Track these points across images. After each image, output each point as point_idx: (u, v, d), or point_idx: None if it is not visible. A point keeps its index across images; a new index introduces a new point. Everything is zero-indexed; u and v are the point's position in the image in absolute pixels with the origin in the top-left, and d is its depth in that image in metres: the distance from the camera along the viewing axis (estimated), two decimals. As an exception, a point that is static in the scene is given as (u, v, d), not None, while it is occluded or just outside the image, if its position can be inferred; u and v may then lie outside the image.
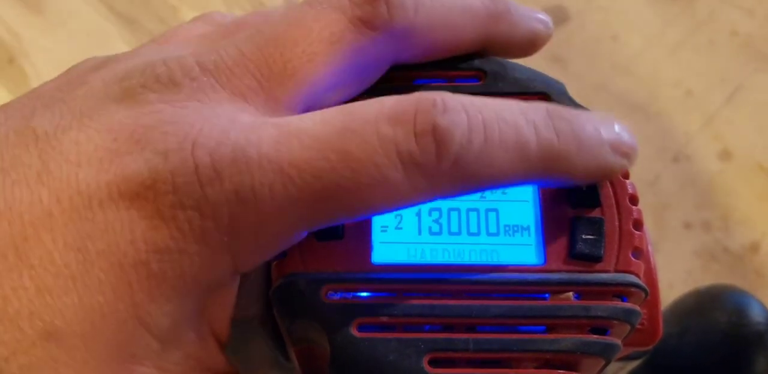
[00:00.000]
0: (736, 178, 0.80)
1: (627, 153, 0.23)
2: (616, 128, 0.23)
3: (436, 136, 0.20)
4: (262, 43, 0.22)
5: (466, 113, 0.21)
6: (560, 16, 0.90)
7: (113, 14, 0.94)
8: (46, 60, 0.92)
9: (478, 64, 0.25)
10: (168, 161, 0.20)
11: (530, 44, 0.27)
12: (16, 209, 0.20)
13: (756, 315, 0.39)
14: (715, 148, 0.82)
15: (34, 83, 0.90)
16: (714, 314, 0.40)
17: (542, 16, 0.27)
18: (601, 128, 0.23)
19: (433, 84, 0.25)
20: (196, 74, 0.22)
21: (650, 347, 0.27)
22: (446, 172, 0.21)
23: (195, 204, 0.20)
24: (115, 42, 0.93)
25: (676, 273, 0.74)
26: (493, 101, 0.22)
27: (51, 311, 0.19)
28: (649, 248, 0.25)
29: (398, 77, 0.25)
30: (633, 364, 0.30)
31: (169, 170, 0.20)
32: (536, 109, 0.22)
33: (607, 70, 0.87)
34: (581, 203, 0.24)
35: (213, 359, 0.22)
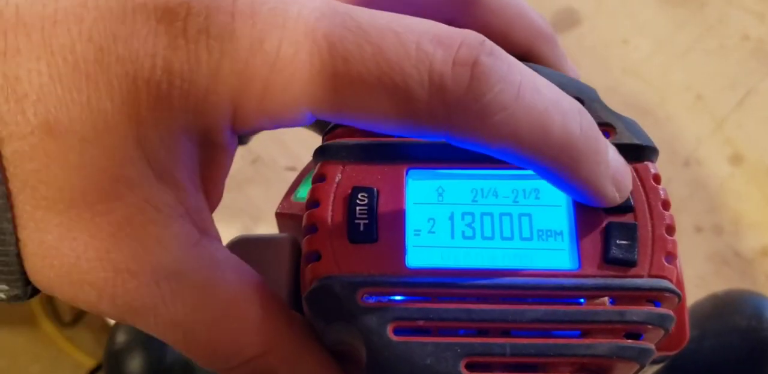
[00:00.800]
0: (747, 182, 0.80)
1: (621, 188, 0.23)
2: (622, 160, 0.24)
3: (475, 71, 0.20)
4: None
5: (507, 66, 0.20)
6: (570, 20, 0.90)
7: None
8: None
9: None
10: None
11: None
12: None
13: (775, 319, 0.39)
14: (725, 152, 0.82)
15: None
16: (732, 318, 0.40)
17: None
18: (612, 151, 0.23)
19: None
20: None
21: (676, 351, 0.27)
22: (468, 110, 0.20)
23: (220, 35, 0.20)
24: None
25: (688, 278, 0.74)
26: (534, 73, 0.21)
27: (58, 103, 0.19)
28: (678, 250, 0.25)
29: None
30: (654, 368, 0.30)
31: None
32: (571, 101, 0.22)
33: (617, 73, 0.87)
34: (614, 208, 0.24)
35: (201, 215, 0.22)
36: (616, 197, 0.23)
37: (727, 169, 0.81)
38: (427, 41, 0.20)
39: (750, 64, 0.86)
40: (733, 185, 0.80)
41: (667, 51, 0.88)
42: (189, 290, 0.21)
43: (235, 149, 0.22)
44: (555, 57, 0.27)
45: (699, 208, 0.79)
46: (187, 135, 0.20)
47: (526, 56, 0.27)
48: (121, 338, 0.42)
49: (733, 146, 0.82)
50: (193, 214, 0.21)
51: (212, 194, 0.22)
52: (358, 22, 0.20)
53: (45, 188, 0.19)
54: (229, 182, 0.23)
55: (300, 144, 0.77)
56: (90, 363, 0.87)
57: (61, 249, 0.20)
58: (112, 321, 0.73)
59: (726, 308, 0.41)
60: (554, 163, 0.21)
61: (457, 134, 0.21)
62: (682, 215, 0.78)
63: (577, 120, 0.21)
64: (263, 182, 0.77)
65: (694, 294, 0.76)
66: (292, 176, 0.31)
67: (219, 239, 0.22)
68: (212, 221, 0.22)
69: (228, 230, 0.75)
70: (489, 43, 0.21)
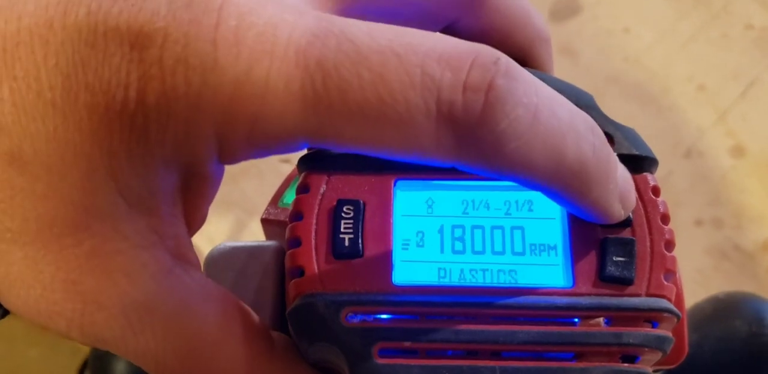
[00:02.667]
0: (748, 174, 0.79)
1: (627, 206, 0.22)
2: (629, 177, 0.22)
3: (489, 97, 0.18)
4: None
5: (524, 88, 0.18)
6: (572, 8, 0.89)
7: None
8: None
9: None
10: (190, 10, 0.18)
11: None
12: (17, 10, 0.18)
13: (777, 324, 0.39)
14: (727, 144, 0.81)
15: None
16: (733, 322, 0.40)
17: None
18: (623, 170, 0.22)
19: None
20: None
21: (675, 365, 0.26)
22: (481, 141, 0.18)
23: (200, 66, 0.18)
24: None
25: (687, 272, 0.73)
26: (549, 91, 0.20)
27: (22, 132, 0.18)
28: (677, 267, 0.24)
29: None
30: (652, 376, 0.29)
31: (188, 20, 0.18)
32: (586, 119, 0.20)
33: (619, 63, 0.86)
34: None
35: (178, 241, 0.20)
36: (621, 214, 0.22)
37: (729, 161, 0.80)
38: (433, 63, 0.18)
39: (753, 54, 0.85)
40: (734, 177, 0.79)
41: (670, 40, 0.87)
42: (158, 321, 0.20)
43: (221, 177, 0.21)
44: (550, 60, 0.26)
45: (699, 201, 0.78)
46: (165, 167, 0.19)
47: (525, 60, 0.26)
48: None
49: (736, 138, 0.81)
50: (167, 241, 0.20)
51: (194, 219, 0.21)
52: (356, 44, 0.18)
53: (9, 220, 0.18)
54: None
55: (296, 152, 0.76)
56: (88, 348, 0.87)
57: (27, 281, 0.19)
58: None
59: (726, 311, 0.41)
60: (565, 188, 0.20)
61: (468, 163, 0.19)
62: (682, 208, 0.77)
63: (590, 141, 0.20)
64: (257, 175, 0.76)
65: (692, 289, 0.76)
66: (287, 169, 0.30)
67: (196, 265, 0.21)
68: (191, 247, 0.21)
69: (222, 224, 0.74)
70: (504, 60, 0.19)
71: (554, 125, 0.19)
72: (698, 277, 0.74)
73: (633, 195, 0.22)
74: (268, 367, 0.22)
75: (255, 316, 0.22)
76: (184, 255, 0.21)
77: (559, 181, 0.20)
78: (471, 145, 0.18)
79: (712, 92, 0.84)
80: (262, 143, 0.19)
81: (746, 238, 0.76)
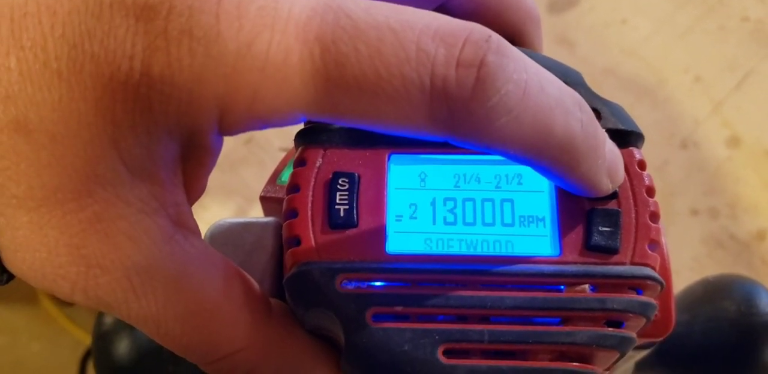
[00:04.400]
0: (744, 165, 0.80)
1: (615, 179, 0.23)
2: (617, 151, 0.23)
3: (480, 72, 0.19)
4: None
5: (514, 64, 0.19)
6: (569, 0, 0.89)
7: None
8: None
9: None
10: None
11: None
12: None
13: (765, 305, 0.39)
14: (723, 134, 0.81)
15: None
16: (723, 303, 0.40)
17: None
18: (612, 145, 0.22)
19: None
20: None
21: (662, 337, 0.26)
22: (473, 114, 0.19)
23: (204, 38, 0.18)
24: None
25: (683, 260, 0.74)
26: (538, 68, 0.20)
27: (28, 101, 0.18)
28: (663, 239, 0.25)
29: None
30: (642, 353, 0.30)
31: None
32: (573, 95, 0.21)
33: (616, 54, 0.87)
34: (598, 195, 0.23)
35: (178, 209, 0.21)
36: (609, 188, 0.23)
37: (725, 152, 0.81)
38: (428, 39, 0.19)
39: (749, 46, 0.86)
40: (730, 168, 0.80)
41: (666, 31, 0.87)
42: (160, 285, 0.20)
43: (220, 148, 0.22)
44: (540, 40, 0.27)
45: (695, 191, 0.78)
46: (168, 137, 0.20)
47: (515, 38, 0.27)
48: (108, 319, 0.42)
49: (731, 129, 0.82)
50: (168, 208, 0.21)
51: (193, 188, 0.22)
52: (353, 19, 0.19)
53: (15, 186, 0.19)
54: (223, 162, 0.23)
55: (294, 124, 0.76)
56: (90, 340, 0.88)
57: (33, 245, 0.19)
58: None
59: (717, 293, 0.41)
60: (554, 162, 0.21)
61: (460, 137, 0.20)
62: (678, 198, 0.77)
63: (578, 117, 0.21)
64: (257, 163, 0.76)
65: (688, 277, 0.76)
66: (286, 156, 0.30)
67: (197, 232, 0.22)
68: (191, 215, 0.22)
69: (222, 211, 0.75)
70: (495, 38, 0.19)
71: (543, 101, 0.20)
72: (694, 265, 0.75)
73: (621, 170, 0.23)
74: (267, 332, 0.22)
75: (254, 283, 0.23)
76: (185, 223, 0.21)
77: (548, 155, 0.20)
78: (463, 119, 0.19)
79: (708, 84, 0.84)
80: (261, 115, 0.20)
81: (741, 227, 0.77)
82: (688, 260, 0.75)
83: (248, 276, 0.23)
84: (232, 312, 0.22)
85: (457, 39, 0.19)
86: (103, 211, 0.19)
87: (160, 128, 0.19)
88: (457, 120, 0.19)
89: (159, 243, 0.20)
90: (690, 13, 0.88)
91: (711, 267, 0.75)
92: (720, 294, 0.41)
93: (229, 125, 0.20)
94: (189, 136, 0.20)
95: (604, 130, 0.22)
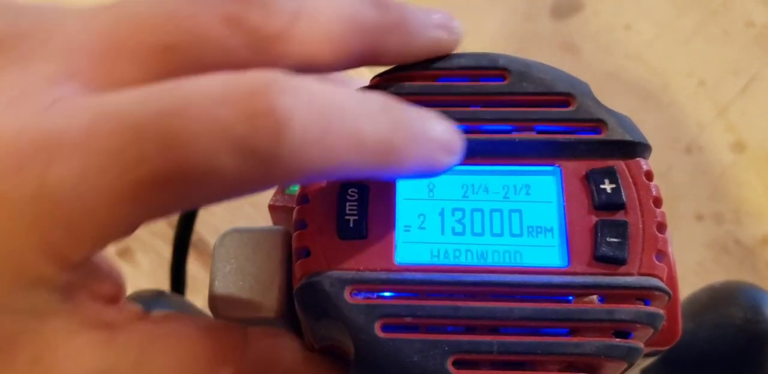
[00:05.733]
0: (748, 170, 0.80)
1: (454, 151, 0.22)
2: (445, 126, 0.22)
3: (276, 118, 0.18)
4: (121, 25, 0.21)
5: (308, 96, 0.19)
6: (574, 5, 0.90)
7: None
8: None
9: (503, 63, 0.25)
10: None
11: (432, 54, 0.25)
12: None
13: (771, 312, 0.39)
14: (727, 139, 0.82)
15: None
16: (729, 310, 0.40)
17: (444, 20, 0.25)
18: (433, 124, 0.22)
19: (456, 83, 0.25)
20: (29, 38, 0.20)
21: (668, 346, 0.27)
22: (285, 158, 0.19)
23: (2, 194, 0.18)
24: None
25: (688, 265, 0.74)
26: (330, 87, 0.20)
27: None
28: (669, 248, 0.25)
29: (421, 76, 0.25)
30: (647, 361, 0.30)
31: None
32: (374, 99, 0.21)
33: (620, 59, 0.87)
34: (605, 205, 0.24)
35: (99, 313, 0.21)
36: (451, 160, 0.22)
37: (729, 156, 0.81)
38: (213, 104, 0.19)
39: (753, 51, 0.86)
40: (734, 172, 0.80)
41: (670, 36, 0.88)
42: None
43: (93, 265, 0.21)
44: (410, 36, 0.24)
45: (700, 195, 0.78)
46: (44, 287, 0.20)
47: (383, 59, 0.25)
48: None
49: (735, 134, 0.82)
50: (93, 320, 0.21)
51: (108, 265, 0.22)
52: (133, 117, 0.19)
53: None
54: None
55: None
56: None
57: None
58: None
59: (722, 300, 0.41)
60: (385, 165, 0.21)
61: (286, 181, 0.20)
62: (682, 203, 0.78)
63: (386, 118, 0.21)
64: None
65: (693, 282, 0.76)
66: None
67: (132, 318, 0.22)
68: (115, 310, 0.22)
69: (230, 219, 0.75)
70: (277, 78, 0.19)
71: (347, 119, 0.20)
72: (699, 270, 0.75)
73: (455, 139, 0.22)
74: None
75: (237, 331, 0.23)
76: (111, 323, 0.21)
77: (375, 162, 0.21)
78: (278, 165, 0.19)
79: (713, 88, 0.84)
80: (98, 235, 0.20)
81: (746, 232, 0.77)
82: (692, 265, 0.75)
83: (227, 326, 0.23)
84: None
85: (243, 94, 0.19)
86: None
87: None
88: (273, 170, 0.19)
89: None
90: (694, 18, 0.88)
91: (716, 272, 0.75)
92: (725, 301, 0.41)
93: (70, 255, 0.20)
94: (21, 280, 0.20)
95: (423, 111, 0.22)
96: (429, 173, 0.22)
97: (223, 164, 0.19)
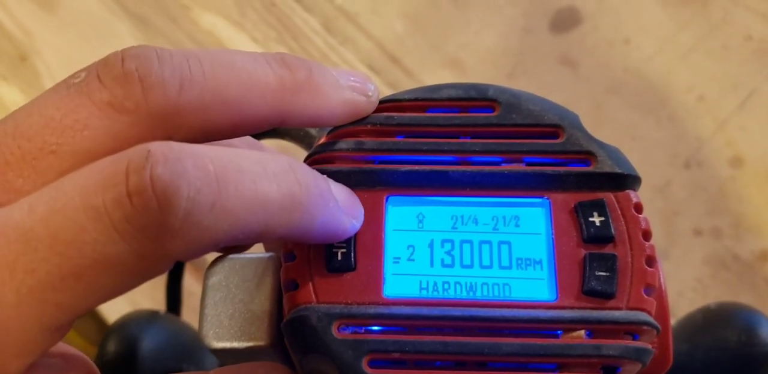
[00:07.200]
0: (747, 185, 0.80)
1: (356, 215, 0.23)
2: (347, 189, 0.24)
3: (156, 190, 0.18)
4: (7, 139, 0.21)
5: (192, 162, 0.19)
6: (573, 19, 0.90)
7: (125, 13, 0.94)
8: (59, 58, 0.92)
9: (493, 94, 0.25)
10: None
11: (346, 115, 0.25)
12: None
13: (766, 335, 0.39)
14: (727, 154, 0.81)
15: (47, 82, 0.90)
16: (724, 333, 0.40)
17: (358, 81, 0.25)
18: (336, 186, 0.23)
19: (445, 114, 0.25)
20: None
21: (661, 375, 0.27)
22: (178, 229, 0.18)
23: None
24: (127, 40, 0.93)
25: (686, 281, 0.74)
26: (227, 150, 0.20)
27: None
28: (661, 275, 0.25)
29: (411, 107, 0.25)
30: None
31: None
32: (276, 160, 0.21)
33: (619, 74, 0.87)
34: (594, 238, 0.24)
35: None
36: (355, 225, 0.23)
37: (728, 171, 0.81)
38: (90, 195, 0.18)
39: (753, 65, 0.86)
40: (733, 187, 0.80)
41: (670, 51, 0.88)
42: None
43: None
44: (320, 97, 0.24)
45: (698, 211, 0.78)
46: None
47: (293, 121, 0.24)
48: (111, 348, 0.42)
49: (735, 149, 0.82)
50: None
51: None
52: (21, 228, 0.19)
53: None
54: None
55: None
56: (94, 351, 0.88)
57: None
58: (109, 314, 0.73)
59: (718, 322, 0.41)
60: (290, 225, 0.21)
61: (187, 253, 0.19)
62: (681, 218, 0.77)
63: (291, 178, 0.21)
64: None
65: (691, 298, 0.76)
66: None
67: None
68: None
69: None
70: (157, 148, 0.19)
71: (241, 181, 0.19)
72: (697, 286, 0.75)
73: (357, 204, 0.24)
74: None
75: None
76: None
77: (281, 222, 0.21)
78: (173, 239, 0.19)
79: (712, 103, 0.84)
80: (27, 344, 0.20)
81: (745, 248, 0.77)
82: (690, 280, 0.75)
83: None
84: None
85: (119, 176, 0.18)
86: None
87: None
88: (168, 245, 0.19)
89: None
90: (693, 33, 0.88)
91: (714, 288, 0.75)
92: (721, 324, 0.41)
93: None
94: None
95: (324, 176, 0.23)
96: (335, 235, 0.23)
97: (117, 249, 0.18)
